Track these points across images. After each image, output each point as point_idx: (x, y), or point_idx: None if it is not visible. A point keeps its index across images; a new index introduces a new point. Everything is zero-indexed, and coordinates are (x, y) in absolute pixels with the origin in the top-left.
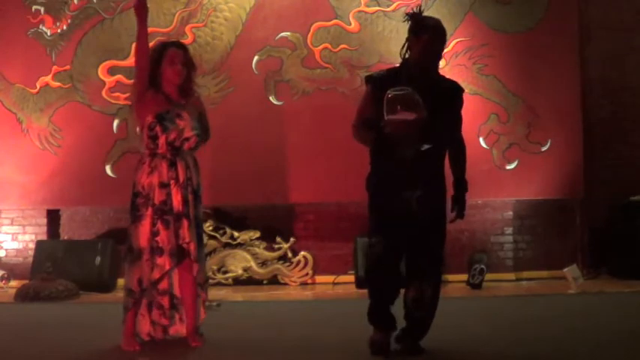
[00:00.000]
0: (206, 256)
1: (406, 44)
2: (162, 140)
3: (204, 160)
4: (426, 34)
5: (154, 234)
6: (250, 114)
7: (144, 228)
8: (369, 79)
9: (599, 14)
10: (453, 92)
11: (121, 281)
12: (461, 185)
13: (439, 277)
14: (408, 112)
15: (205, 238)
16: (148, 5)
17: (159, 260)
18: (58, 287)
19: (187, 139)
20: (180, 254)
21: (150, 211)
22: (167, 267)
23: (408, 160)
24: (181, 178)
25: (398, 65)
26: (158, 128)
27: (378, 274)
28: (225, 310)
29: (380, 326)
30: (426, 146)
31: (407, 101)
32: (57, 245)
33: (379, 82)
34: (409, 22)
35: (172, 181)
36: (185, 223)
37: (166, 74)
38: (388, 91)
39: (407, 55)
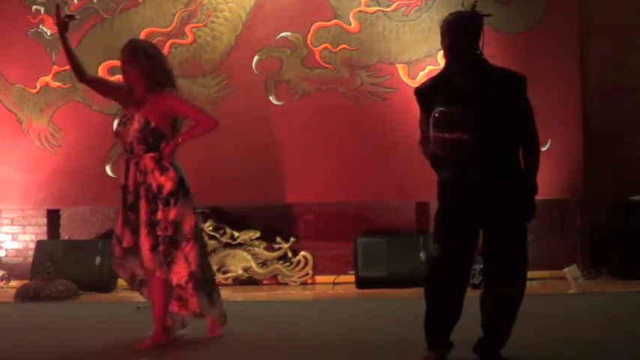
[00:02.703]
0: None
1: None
2: (120, 143)
3: (204, 160)
4: (443, 34)
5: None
6: (250, 114)
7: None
8: (415, 93)
9: (599, 14)
10: (504, 85)
11: (121, 281)
12: (526, 186)
13: (521, 284)
14: (454, 132)
15: (205, 238)
16: (148, 5)
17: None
18: (58, 287)
19: (130, 143)
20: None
21: (121, 210)
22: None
23: (471, 168)
24: (130, 181)
25: (442, 71)
26: (115, 133)
27: (432, 287)
28: (225, 310)
29: (430, 343)
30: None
31: (453, 120)
32: (57, 245)
33: (423, 93)
34: None
35: (128, 185)
36: (125, 229)
37: (122, 77)
38: (435, 110)
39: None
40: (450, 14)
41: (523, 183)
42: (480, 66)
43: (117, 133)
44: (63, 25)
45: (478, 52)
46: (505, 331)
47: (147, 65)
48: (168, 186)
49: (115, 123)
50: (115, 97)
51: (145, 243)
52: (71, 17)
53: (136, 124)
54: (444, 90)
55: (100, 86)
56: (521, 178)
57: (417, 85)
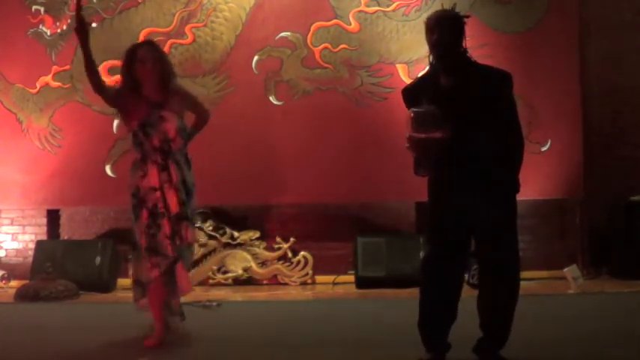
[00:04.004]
0: (205, 256)
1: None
2: (147, 146)
3: (204, 159)
4: (429, 30)
5: (151, 235)
6: (250, 114)
7: (141, 228)
8: (402, 92)
9: (599, 14)
10: (490, 83)
11: (121, 281)
12: (508, 184)
13: (514, 282)
14: (427, 131)
15: (205, 238)
16: (148, 5)
17: (154, 260)
18: (58, 287)
19: (172, 139)
20: (174, 256)
21: (145, 212)
22: (163, 266)
23: (451, 171)
24: (174, 179)
25: (427, 71)
26: (142, 135)
27: (426, 287)
28: (225, 310)
29: (428, 346)
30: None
31: (427, 119)
32: (57, 245)
33: (409, 93)
34: None
35: (166, 185)
36: (185, 224)
37: (141, 75)
38: (409, 110)
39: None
40: (435, 12)
41: (506, 181)
42: (465, 64)
43: (148, 136)
44: (85, 33)
45: (462, 51)
46: (503, 330)
47: (169, 65)
48: (193, 182)
49: (138, 131)
50: (122, 103)
51: (195, 238)
52: (89, 24)
53: (173, 122)
54: (429, 89)
55: (115, 95)
56: (505, 177)
57: (404, 87)
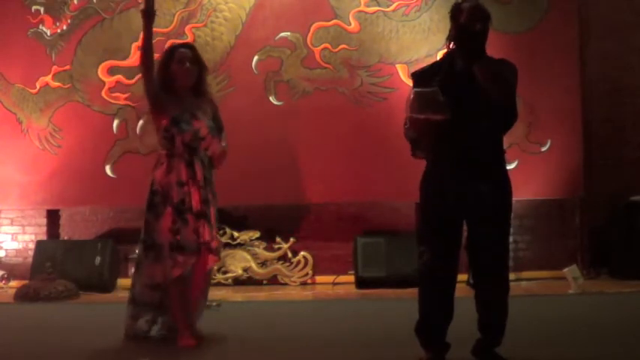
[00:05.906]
0: None
1: (449, 34)
2: (178, 142)
3: None
4: (461, 16)
5: (175, 232)
6: (250, 114)
7: (164, 225)
8: (411, 76)
9: (599, 14)
10: (500, 69)
11: (121, 281)
12: None
13: (502, 277)
14: (428, 112)
15: None
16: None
17: (179, 258)
18: (57, 287)
19: (203, 138)
20: (199, 252)
21: (169, 209)
22: (188, 264)
23: (453, 157)
24: (199, 177)
25: (443, 57)
26: (174, 130)
27: (427, 288)
28: (225, 310)
29: (428, 346)
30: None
31: (428, 100)
32: (57, 245)
33: (420, 77)
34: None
35: (190, 181)
36: (203, 221)
37: (177, 75)
38: (412, 90)
39: (451, 45)
40: (472, 1)
41: (504, 178)
42: (485, 56)
43: (182, 132)
44: (152, 16)
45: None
46: (498, 328)
47: (205, 67)
48: (214, 183)
49: (172, 127)
50: (159, 98)
51: (216, 235)
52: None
53: (204, 121)
54: (444, 73)
55: (151, 74)
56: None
57: (414, 70)
